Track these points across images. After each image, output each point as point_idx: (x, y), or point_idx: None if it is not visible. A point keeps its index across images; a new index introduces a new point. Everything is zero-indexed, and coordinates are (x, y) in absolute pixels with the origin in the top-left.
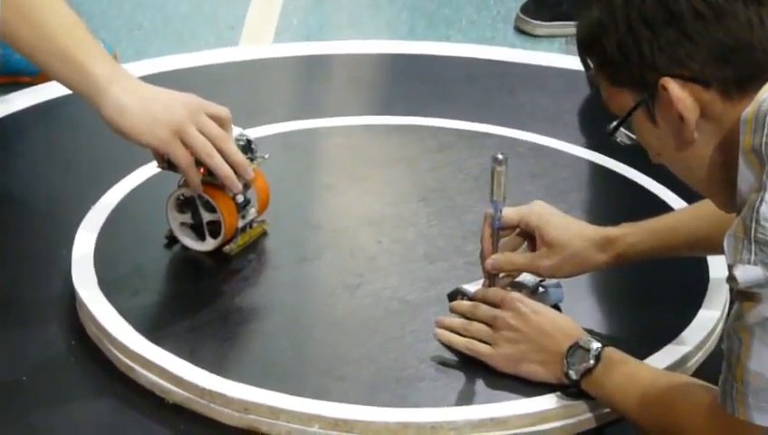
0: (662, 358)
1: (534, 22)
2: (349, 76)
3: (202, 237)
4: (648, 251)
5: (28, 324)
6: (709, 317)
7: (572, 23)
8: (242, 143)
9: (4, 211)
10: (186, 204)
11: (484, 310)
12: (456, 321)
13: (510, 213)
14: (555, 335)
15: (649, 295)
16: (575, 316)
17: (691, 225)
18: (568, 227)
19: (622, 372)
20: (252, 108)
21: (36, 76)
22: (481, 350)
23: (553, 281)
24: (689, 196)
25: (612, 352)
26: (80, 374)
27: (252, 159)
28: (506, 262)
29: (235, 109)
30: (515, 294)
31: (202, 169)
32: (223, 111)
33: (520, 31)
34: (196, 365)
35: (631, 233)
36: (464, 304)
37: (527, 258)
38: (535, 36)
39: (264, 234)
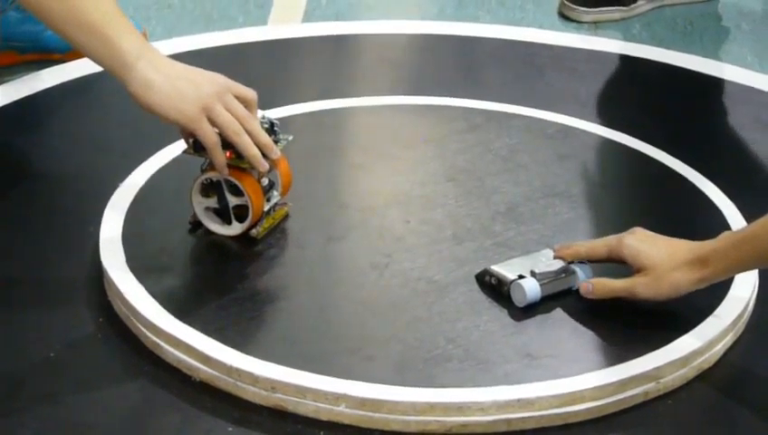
0: (691, 341)
1: (581, 8)
2: (377, 56)
3: (228, 221)
4: (738, 263)
5: (56, 301)
6: (739, 297)
7: (617, 7)
8: (265, 126)
9: (32, 188)
10: (211, 188)
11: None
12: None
13: (598, 247)
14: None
15: None
16: (605, 300)
17: None
18: (660, 253)
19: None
20: (280, 87)
21: (67, 53)
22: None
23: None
24: (715, 176)
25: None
26: (107, 352)
27: (275, 142)
28: (602, 287)
29: (264, 88)
30: None
31: (228, 153)
32: (249, 92)
33: (565, 18)
34: (224, 343)
35: (720, 248)
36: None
37: (623, 284)
38: (581, 23)
39: (287, 216)
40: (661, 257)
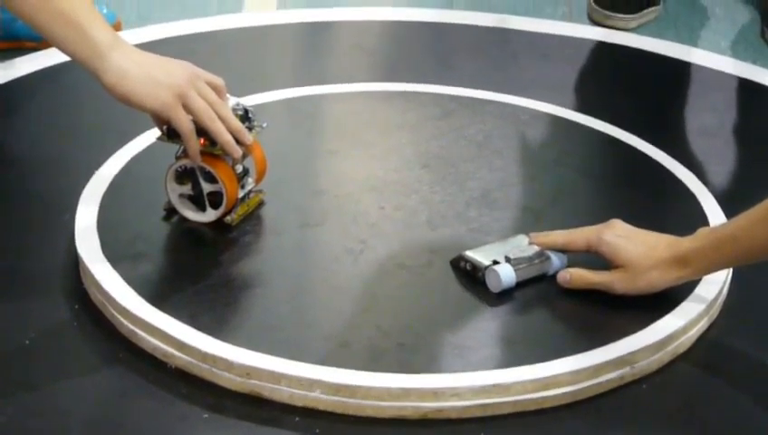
0: (666, 325)
1: (627, 16)
2: (352, 43)
3: (203, 208)
4: (718, 264)
5: (31, 289)
6: (714, 281)
7: (654, 7)
8: (239, 113)
9: (7, 176)
10: (185, 175)
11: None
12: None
13: (576, 239)
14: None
15: None
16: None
17: (750, 232)
18: (638, 250)
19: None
20: (255, 74)
21: (40, 42)
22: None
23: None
24: (688, 160)
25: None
26: (83, 339)
27: (250, 129)
28: (579, 279)
29: (239, 75)
30: None
31: (202, 140)
32: (218, 79)
33: (604, 26)
34: (199, 330)
35: (699, 248)
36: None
37: (601, 277)
38: (628, 30)
39: (262, 203)
40: (639, 255)
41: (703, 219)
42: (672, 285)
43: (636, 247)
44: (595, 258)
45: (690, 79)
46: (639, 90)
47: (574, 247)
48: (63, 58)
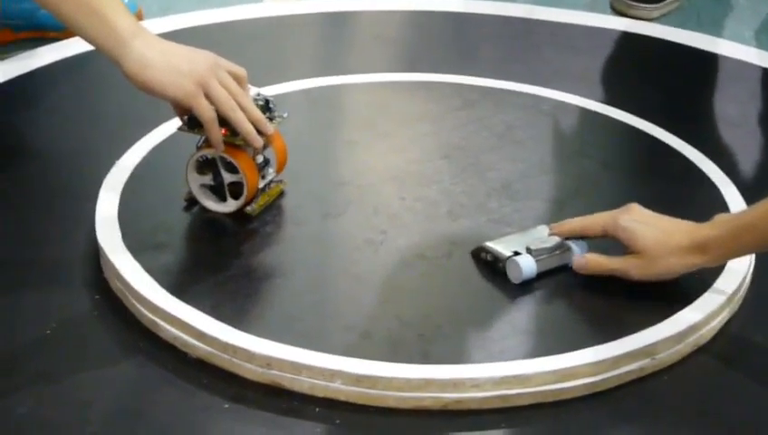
0: (687, 316)
1: (650, 6)
2: (373, 33)
3: (223, 199)
4: (736, 251)
5: (52, 279)
6: (736, 271)
7: None
8: (260, 103)
9: (28, 166)
10: (206, 165)
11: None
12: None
13: (593, 224)
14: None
15: None
16: (600, 276)
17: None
18: (656, 236)
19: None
20: (276, 64)
21: (63, 31)
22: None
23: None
24: (711, 152)
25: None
26: (103, 329)
27: (270, 119)
28: (596, 264)
29: (260, 65)
30: None
31: (223, 130)
32: (240, 69)
33: (627, 16)
34: (220, 320)
35: (718, 235)
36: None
37: (617, 263)
38: (651, 20)
39: (283, 194)
40: (657, 240)
41: (725, 210)
42: (688, 271)
43: (653, 233)
44: (618, 248)
45: (714, 69)
46: (662, 80)
47: (591, 232)
48: (86, 48)
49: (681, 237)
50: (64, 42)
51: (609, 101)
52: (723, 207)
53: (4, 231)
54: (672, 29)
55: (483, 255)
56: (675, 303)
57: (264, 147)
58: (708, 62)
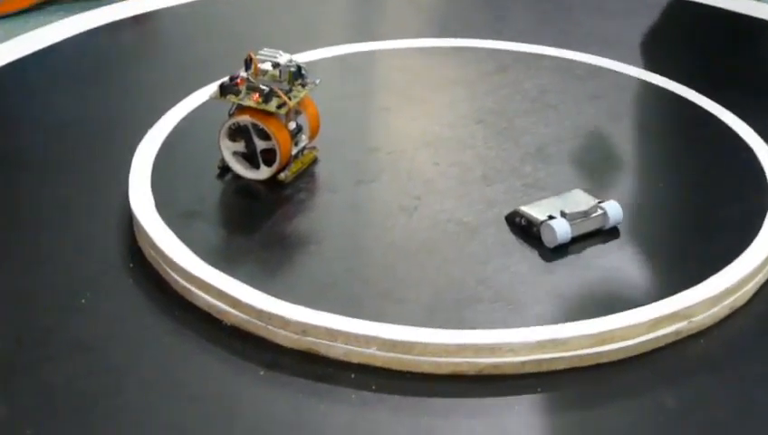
0: (723, 279)
1: None
2: None
3: (256, 166)
4: None
5: (86, 248)
6: None
7: None
8: (292, 69)
9: (60, 134)
10: (238, 132)
11: None
12: None
13: None
14: None
15: (709, 219)
16: (644, 231)
17: None
18: None
19: None
20: (308, 31)
21: None
22: None
23: (611, 201)
24: (752, 118)
25: None
26: (138, 297)
27: (303, 85)
28: None
29: (292, 31)
30: None
31: (256, 96)
32: None
33: None
34: (254, 287)
35: None
36: None
37: None
38: None
39: (316, 160)
40: None
41: (762, 177)
42: None
43: None
44: (659, 207)
45: (755, 35)
46: (699, 44)
47: None
48: (115, 17)
49: None
50: (92, 12)
51: (644, 65)
52: (759, 170)
53: (37, 200)
54: None
55: (517, 219)
56: (710, 265)
57: (297, 113)
58: (749, 26)
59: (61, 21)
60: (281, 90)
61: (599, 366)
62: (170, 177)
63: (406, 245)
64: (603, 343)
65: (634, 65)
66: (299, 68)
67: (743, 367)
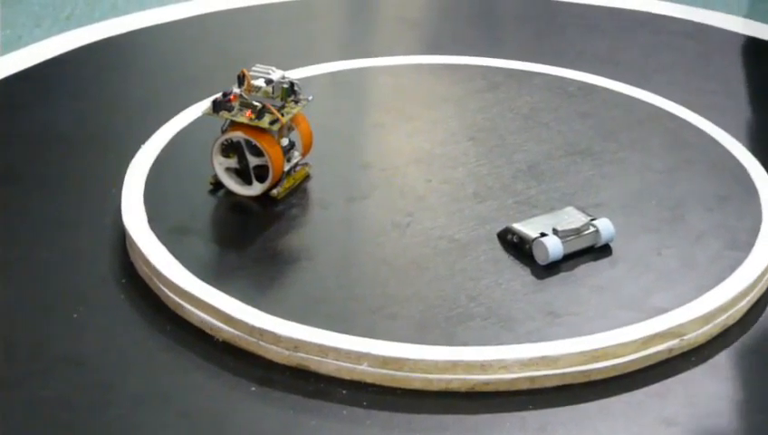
0: (715, 297)
1: None
2: (396, 15)
3: (249, 182)
4: None
5: (78, 263)
6: (764, 253)
7: None
8: (285, 86)
9: (54, 151)
10: (231, 148)
11: None
12: None
13: None
14: None
15: (701, 237)
16: (636, 248)
17: None
18: None
19: None
20: (300, 47)
21: None
22: None
23: (603, 219)
24: (740, 133)
25: None
26: (130, 312)
27: (295, 102)
28: None
29: (284, 48)
30: None
31: (248, 113)
32: None
33: None
34: (246, 303)
35: None
36: None
37: None
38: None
39: (308, 177)
40: None
41: (755, 195)
42: None
43: None
44: (652, 224)
45: (746, 52)
46: (689, 61)
47: None
48: (111, 32)
49: None
50: (89, 27)
51: (636, 83)
52: (752, 189)
53: (30, 214)
54: (699, 9)
55: (509, 236)
56: (703, 283)
57: (290, 130)
58: (739, 43)
59: (53, 37)
60: (273, 106)
61: (590, 384)
62: (163, 192)
63: (398, 261)
64: (595, 360)
65: (626, 83)
66: (292, 84)
67: (734, 386)
